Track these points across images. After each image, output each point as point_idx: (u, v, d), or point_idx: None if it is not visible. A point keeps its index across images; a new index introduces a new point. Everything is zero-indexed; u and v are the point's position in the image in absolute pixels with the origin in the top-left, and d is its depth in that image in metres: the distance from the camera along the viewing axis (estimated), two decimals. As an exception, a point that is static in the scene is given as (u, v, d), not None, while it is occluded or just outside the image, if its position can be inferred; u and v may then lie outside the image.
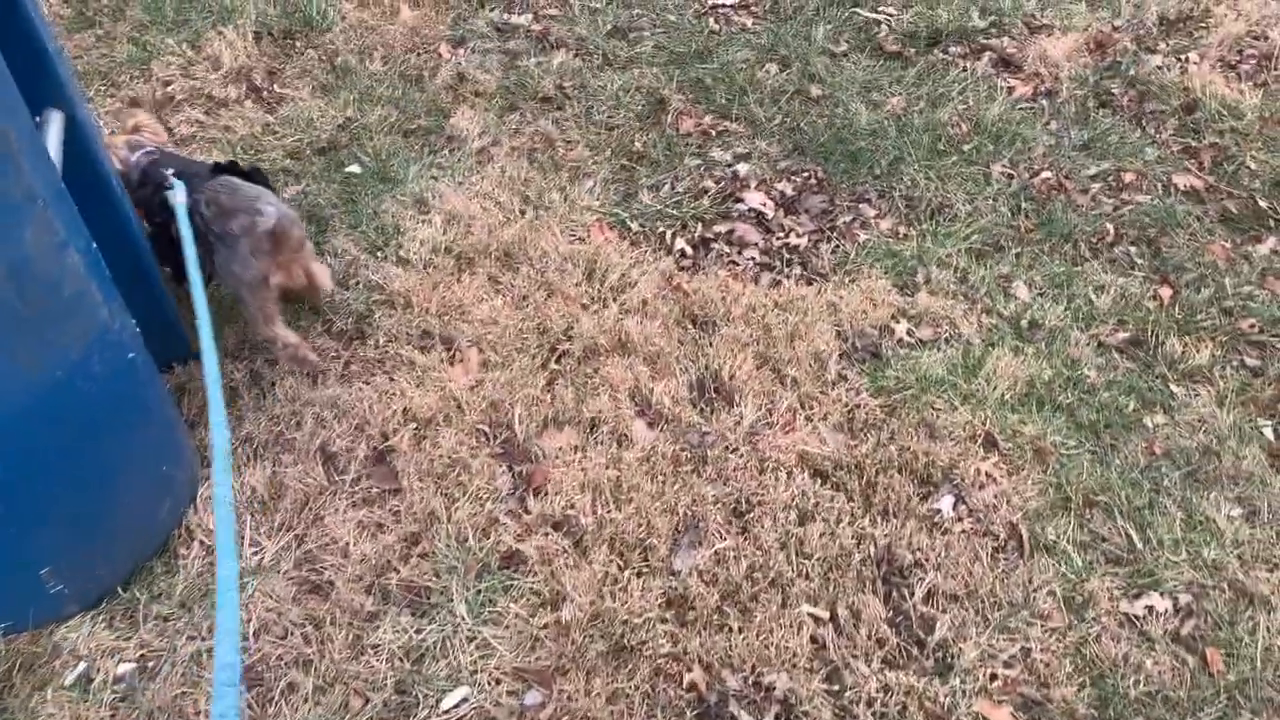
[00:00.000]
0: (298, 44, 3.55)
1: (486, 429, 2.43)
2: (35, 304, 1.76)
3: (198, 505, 2.26)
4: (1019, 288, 2.81)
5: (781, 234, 3.01)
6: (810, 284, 2.82)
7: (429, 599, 2.12)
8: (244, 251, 2.28)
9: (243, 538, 2.24)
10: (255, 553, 2.21)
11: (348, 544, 2.21)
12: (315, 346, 2.59)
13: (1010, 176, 3.15)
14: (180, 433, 2.25)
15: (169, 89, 3.37)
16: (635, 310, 2.71)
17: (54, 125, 2.01)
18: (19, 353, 1.75)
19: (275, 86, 3.41)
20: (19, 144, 1.66)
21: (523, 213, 3.01)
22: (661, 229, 2.98)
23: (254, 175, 2.49)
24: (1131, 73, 3.53)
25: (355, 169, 3.13)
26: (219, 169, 2.43)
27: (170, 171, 2.34)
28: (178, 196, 2.24)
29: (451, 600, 2.11)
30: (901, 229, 3.00)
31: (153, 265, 2.36)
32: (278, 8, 3.65)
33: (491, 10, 3.74)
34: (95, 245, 1.93)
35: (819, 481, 2.29)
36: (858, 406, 2.44)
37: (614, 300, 2.75)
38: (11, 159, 1.65)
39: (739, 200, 3.10)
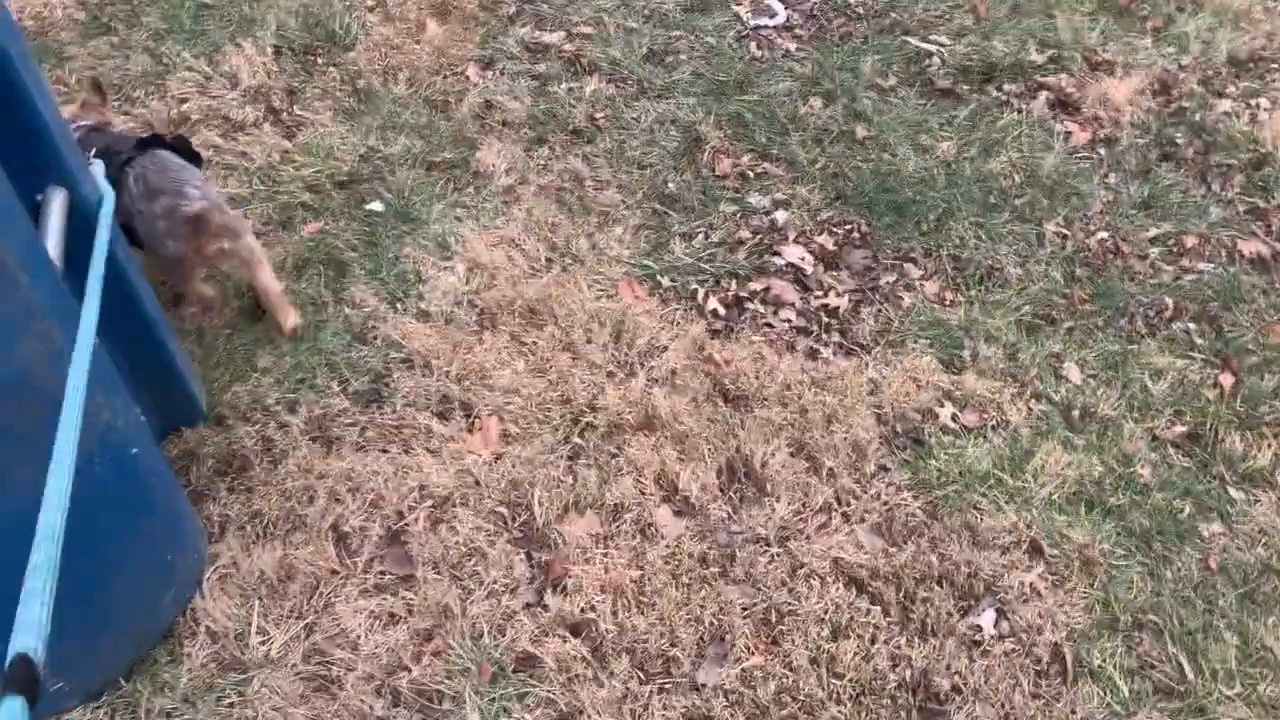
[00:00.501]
0: (319, 60, 3.39)
1: (505, 510, 2.32)
2: (33, 418, 1.65)
3: (204, 589, 2.17)
4: (1070, 369, 2.66)
5: (820, 293, 2.86)
6: (850, 356, 2.68)
7: (440, 704, 2.03)
8: (161, 232, 2.29)
9: (250, 624, 2.15)
10: (263, 642, 2.12)
11: (358, 637, 2.12)
12: (330, 409, 2.48)
13: (1064, 237, 2.98)
14: (185, 518, 2.15)
15: (184, 107, 3.23)
16: (663, 381, 2.58)
17: (55, 205, 1.88)
18: (15, 469, 1.65)
19: (295, 108, 3.26)
20: (18, 261, 1.54)
21: (549, 262, 2.87)
22: (694, 286, 2.84)
23: (180, 150, 2.41)
24: (1198, 119, 3.33)
25: (377, 206, 2.99)
26: (144, 144, 2.36)
27: (93, 151, 2.25)
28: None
29: (464, 707, 2.02)
30: (948, 294, 2.84)
31: (161, 328, 2.25)
32: (299, 20, 3.49)
33: (522, 27, 3.56)
34: (96, 340, 1.82)
35: (854, 591, 2.18)
36: (898, 506, 2.32)
37: (641, 368, 2.62)
38: (9, 278, 1.53)
39: (776, 253, 2.95)
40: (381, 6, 3.56)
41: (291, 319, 2.63)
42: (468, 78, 3.37)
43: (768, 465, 2.39)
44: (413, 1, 3.56)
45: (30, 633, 0.76)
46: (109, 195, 2.07)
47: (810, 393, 2.54)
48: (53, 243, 1.76)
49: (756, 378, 2.58)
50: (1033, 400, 2.58)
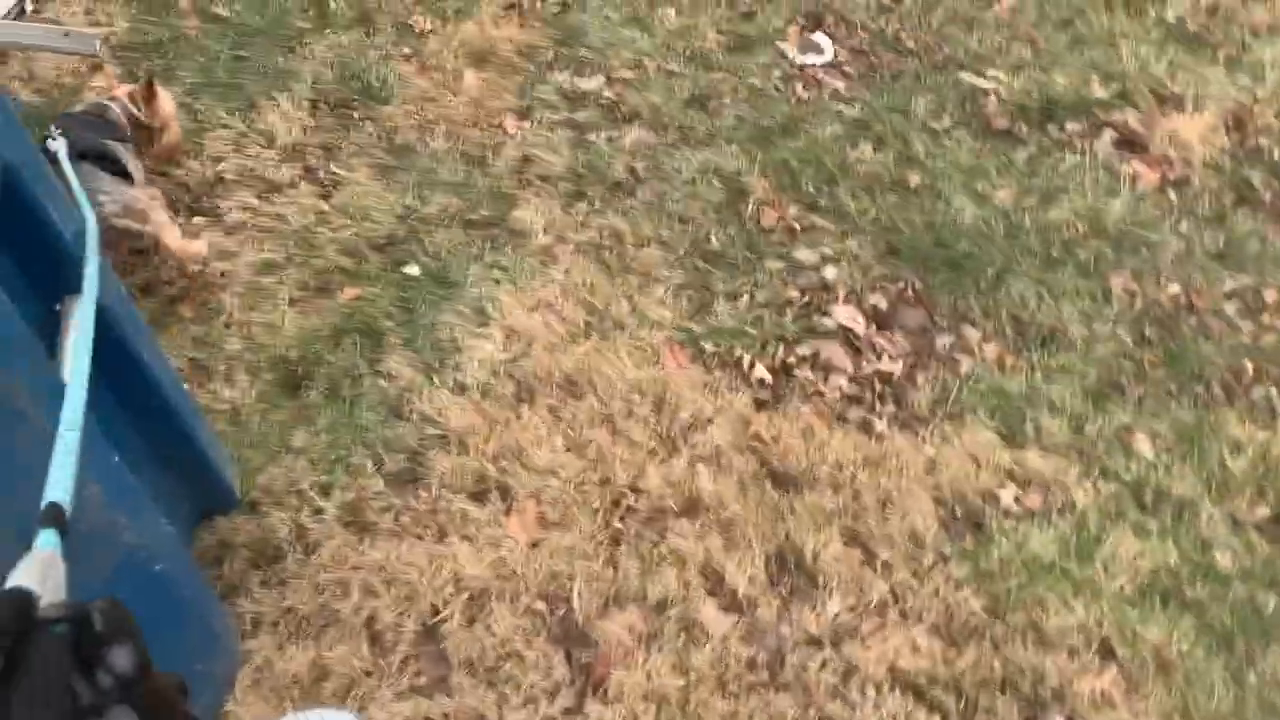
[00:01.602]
0: (355, 115, 3.33)
1: (543, 605, 2.24)
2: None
3: (236, 693, 2.11)
4: (1141, 443, 2.50)
5: (873, 356, 2.73)
6: (906, 429, 2.55)
7: (477, 824, 1.95)
8: None
9: (283, 728, 2.09)
10: (295, 748, 2.06)
11: (393, 745, 2.05)
12: (365, 492, 2.42)
13: (1133, 293, 2.82)
14: (216, 624, 2.09)
15: (220, 167, 3.19)
16: (708, 459, 2.48)
17: (75, 316, 1.83)
18: (34, 605, 1.60)
19: (331, 165, 3.20)
20: (29, 397, 1.49)
21: (588, 327, 2.77)
22: (739, 352, 2.72)
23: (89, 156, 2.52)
24: (1276, 157, 3.13)
25: (414, 270, 2.92)
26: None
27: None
28: None
29: (501, 823, 1.94)
30: (1009, 358, 2.69)
31: (187, 418, 2.20)
32: (335, 71, 3.43)
33: (561, 72, 3.46)
34: (117, 459, 1.77)
35: (912, 699, 2.05)
36: (958, 604, 2.19)
37: (684, 444, 2.51)
38: (21, 415, 1.47)
39: (826, 314, 2.82)
40: (417, 56, 3.49)
41: (196, 246, 2.81)
42: (505, 129, 3.29)
43: (819, 557, 2.28)
44: (449, 50, 3.48)
45: (59, 487, 0.85)
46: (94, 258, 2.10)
47: (864, 473, 2.42)
48: (66, 365, 1.70)
49: (806, 456, 2.46)
50: (1101, 479, 2.43)
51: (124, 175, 2.74)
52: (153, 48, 3.49)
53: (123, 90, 2.85)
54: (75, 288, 1.86)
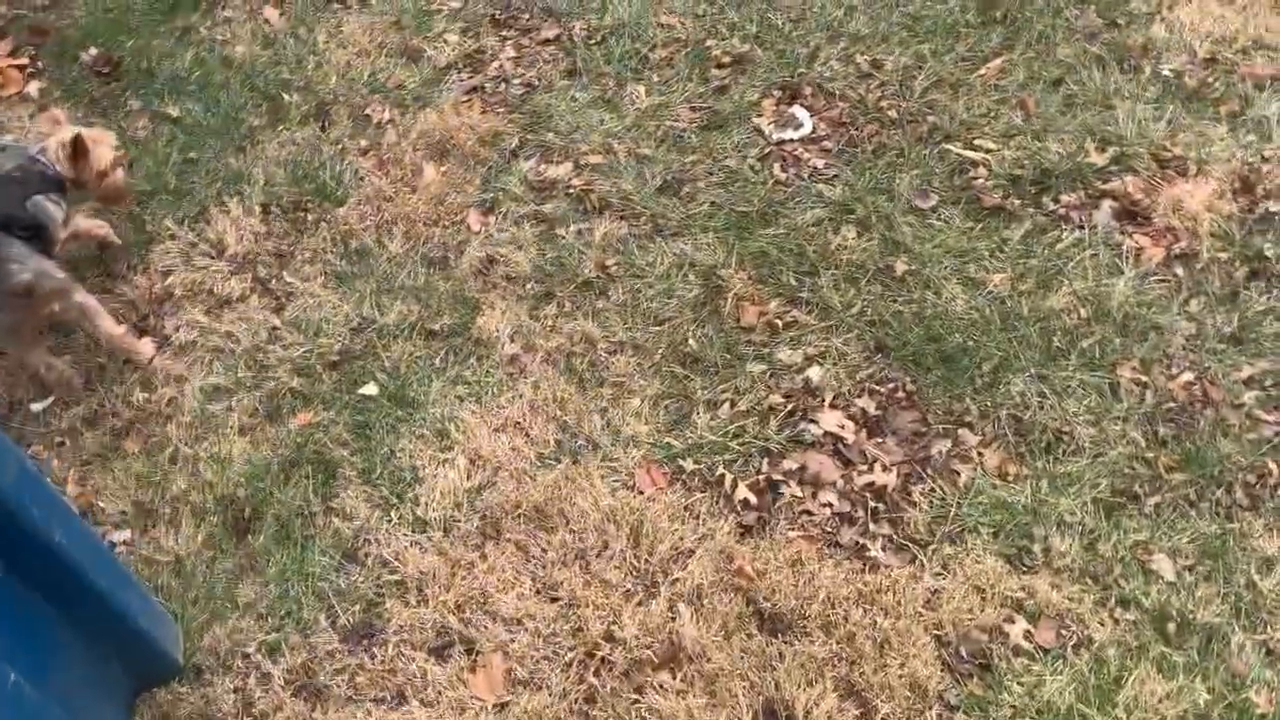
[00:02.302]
0: (309, 217, 3.16)
1: (512, 780, 2.03)
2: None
3: None
4: (1161, 562, 2.29)
5: (864, 466, 2.54)
6: (902, 553, 2.35)
7: None
8: None
9: None
10: None
11: None
12: (317, 651, 2.23)
13: (1143, 385, 2.61)
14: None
15: (168, 282, 3.02)
16: (689, 599, 2.28)
17: None
18: None
19: (284, 274, 3.03)
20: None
21: (558, 446, 2.59)
22: (720, 470, 2.53)
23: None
24: (1287, 223, 2.93)
25: (371, 389, 2.74)
26: None
27: None
28: None
29: None
30: (1011, 466, 2.49)
31: (118, 599, 2.02)
32: (288, 171, 3.27)
33: (526, 160, 3.29)
34: (14, 677, 1.58)
35: None
36: (966, 769, 1.97)
37: (664, 581, 2.32)
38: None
39: (812, 420, 2.62)
40: (375, 149, 3.33)
41: (145, 349, 2.79)
42: (468, 226, 3.11)
43: (812, 713, 2.07)
44: (407, 142, 3.31)
45: None
46: None
47: (859, 612, 2.22)
48: None
49: (796, 592, 2.26)
50: (1118, 608, 2.22)
51: (48, 240, 2.65)
52: (100, 152, 3.32)
53: (53, 141, 2.72)
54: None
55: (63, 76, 3.67)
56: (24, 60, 3.71)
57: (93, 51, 3.71)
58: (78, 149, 2.72)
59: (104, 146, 2.81)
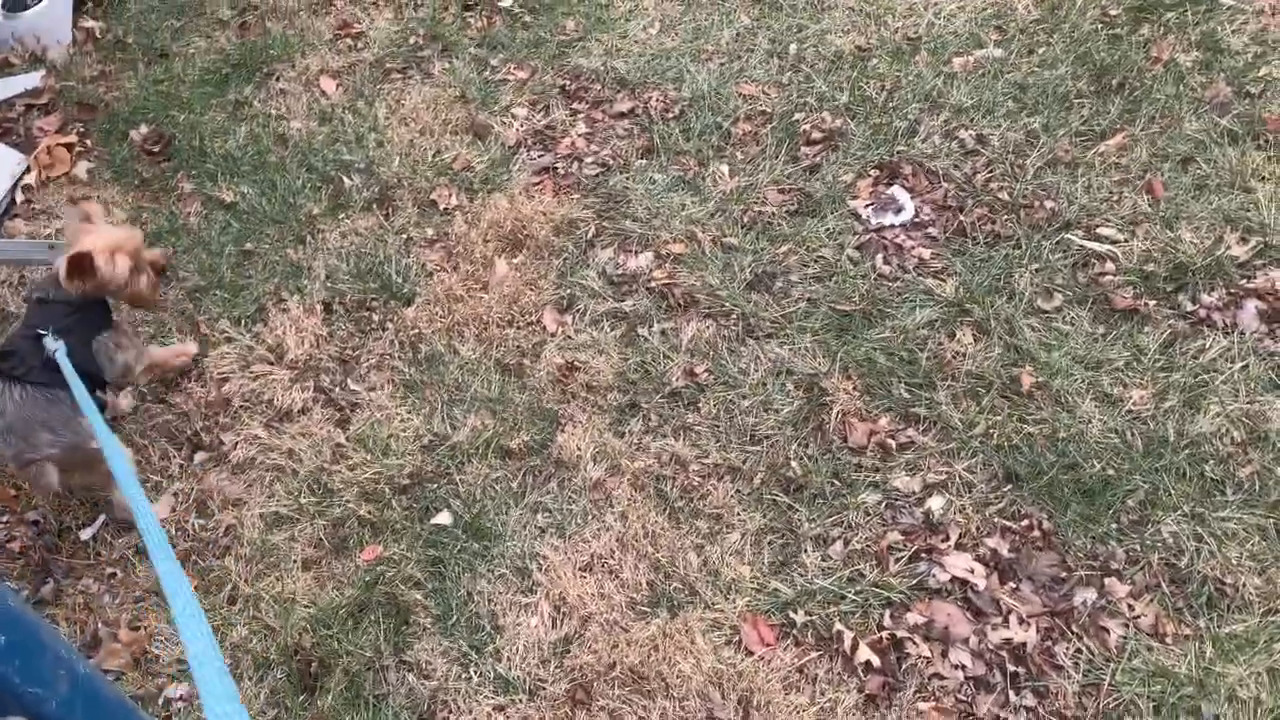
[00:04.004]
0: (374, 317, 2.94)
1: None
2: None
3: None
4: (1358, 753, 1.98)
5: (999, 619, 2.25)
6: (1051, 735, 2.06)
7: None
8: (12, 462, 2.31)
9: None
10: None
11: None
12: None
13: (1313, 525, 2.30)
14: None
15: (224, 389, 2.81)
16: (811, 789, 2.00)
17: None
18: None
19: (349, 381, 2.81)
20: None
21: (653, 592, 2.33)
22: (836, 625, 2.25)
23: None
24: None
25: (444, 519, 2.51)
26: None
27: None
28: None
29: None
30: (1169, 625, 2.19)
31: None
32: (350, 265, 3.05)
33: (604, 249, 3.04)
34: None
35: None
36: None
37: (781, 764, 2.04)
38: None
39: (936, 563, 2.34)
40: (443, 241, 3.10)
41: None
42: (544, 327, 2.87)
43: None
44: (477, 232, 3.08)
45: None
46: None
47: (1007, 813, 1.93)
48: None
49: (932, 785, 1.98)
50: (1314, 813, 1.92)
51: (101, 385, 2.44)
52: (152, 240, 3.14)
53: (62, 261, 2.34)
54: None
55: (112, 156, 3.49)
56: (72, 138, 3.54)
57: (143, 129, 3.53)
58: (71, 270, 2.31)
59: (123, 256, 2.38)
